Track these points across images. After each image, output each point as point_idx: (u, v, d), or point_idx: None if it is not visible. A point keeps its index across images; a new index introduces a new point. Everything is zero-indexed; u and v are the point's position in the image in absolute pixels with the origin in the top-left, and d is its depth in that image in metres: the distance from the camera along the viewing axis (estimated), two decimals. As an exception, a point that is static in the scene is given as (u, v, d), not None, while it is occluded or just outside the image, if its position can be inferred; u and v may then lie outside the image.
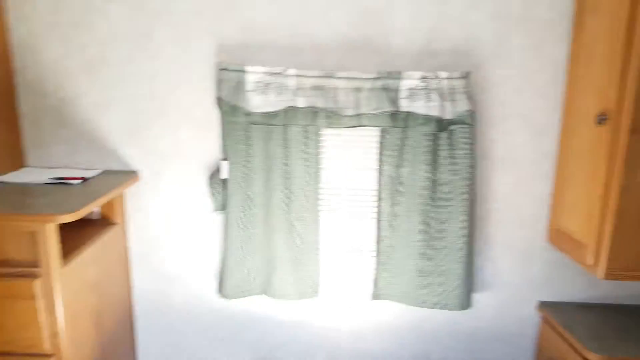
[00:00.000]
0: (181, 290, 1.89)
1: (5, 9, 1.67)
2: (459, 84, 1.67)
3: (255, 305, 1.92)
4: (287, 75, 1.69)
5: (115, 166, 1.80)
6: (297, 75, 1.69)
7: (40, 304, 1.31)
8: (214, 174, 1.77)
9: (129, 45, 1.72)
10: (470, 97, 1.68)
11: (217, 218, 1.84)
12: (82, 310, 1.47)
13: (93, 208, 1.40)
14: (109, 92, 1.74)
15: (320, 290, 1.88)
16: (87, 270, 1.50)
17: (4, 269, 1.30)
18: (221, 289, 1.79)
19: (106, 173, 1.75)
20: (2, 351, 1.33)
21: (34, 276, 1.30)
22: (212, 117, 1.77)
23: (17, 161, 1.73)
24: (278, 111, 1.69)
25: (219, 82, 1.68)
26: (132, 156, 1.79)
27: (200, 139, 1.79)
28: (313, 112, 1.69)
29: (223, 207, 1.78)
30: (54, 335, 1.34)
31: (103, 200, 1.47)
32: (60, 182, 1.58)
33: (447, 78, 1.67)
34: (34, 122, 1.75)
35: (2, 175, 1.61)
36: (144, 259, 1.87)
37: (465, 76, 1.66)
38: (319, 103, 1.69)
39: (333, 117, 1.69)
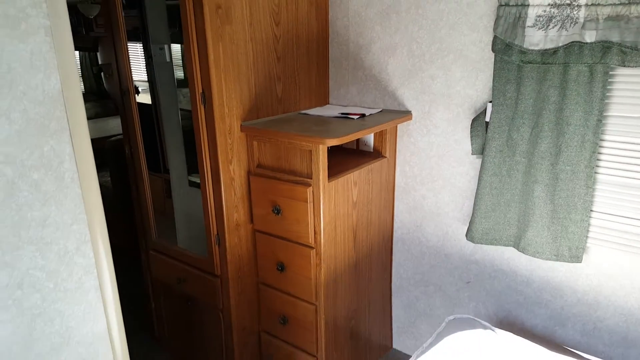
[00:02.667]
0: (434, 226, 1.99)
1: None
2: None
3: (505, 257, 1.83)
4: (576, 6, 1.45)
5: (393, 106, 1.99)
6: (590, 5, 1.43)
7: (310, 207, 1.66)
8: (479, 116, 1.73)
9: (417, -8, 1.82)
10: None
11: (479, 162, 1.81)
12: (341, 221, 1.77)
13: (354, 138, 1.64)
14: (394, 38, 1.92)
15: (583, 256, 1.62)
16: (350, 190, 1.78)
17: (291, 176, 1.71)
18: (468, 232, 1.78)
19: (384, 112, 1.97)
20: (283, 237, 1.79)
21: (308, 185, 1.66)
22: (487, 57, 1.72)
23: (323, 99, 2.15)
24: (558, 48, 1.50)
25: (497, 19, 1.60)
26: (407, 96, 1.94)
27: (471, 80, 1.77)
28: (604, 47, 1.42)
29: (482, 151, 1.73)
30: (316, 232, 1.69)
31: (363, 133, 1.69)
32: (345, 117, 1.89)
33: None
34: (337, 66, 2.12)
35: (308, 109, 2.04)
36: (406, 192, 2.04)
37: None
38: (614, 37, 1.40)
39: (631, 53, 1.38)
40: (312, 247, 1.72)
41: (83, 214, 1.02)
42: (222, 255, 1.84)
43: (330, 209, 1.69)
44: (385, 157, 1.96)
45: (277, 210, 1.75)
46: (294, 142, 1.65)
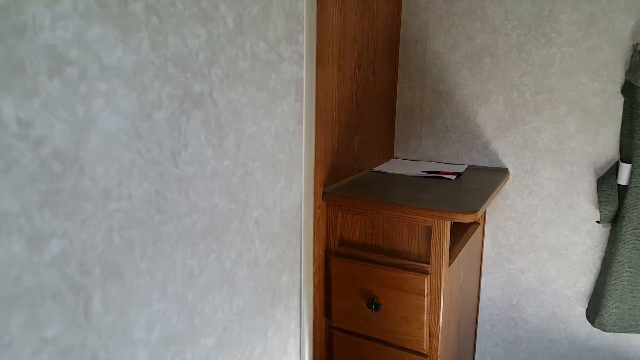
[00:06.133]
0: (536, 306, 1.66)
1: (404, 4, 1.71)
2: None
3: (633, 344, 1.53)
4: None
5: (481, 162, 1.68)
6: None
7: (426, 301, 1.27)
8: (607, 177, 1.45)
9: (520, 32, 1.54)
10: None
11: (599, 231, 1.52)
12: (452, 313, 1.40)
13: (486, 209, 1.29)
14: (487, 84, 1.62)
15: None
16: (460, 271, 1.42)
17: (395, 259, 1.31)
18: (596, 318, 1.48)
19: (471, 169, 1.65)
20: (381, 339, 1.36)
21: (424, 272, 1.27)
22: (612, 109, 1.45)
23: (388, 153, 1.79)
24: None
25: (632, 67, 1.34)
26: (503, 152, 1.63)
27: (591, 134, 1.49)
28: None
29: (613, 219, 1.45)
30: (432, 335, 1.29)
31: (490, 200, 1.35)
32: (436, 176, 1.54)
33: None
34: (407, 115, 1.78)
35: (378, 166, 1.67)
36: (497, 264, 1.70)
37: None
38: None
39: None
40: (425, 355, 1.31)
41: None
42: None
43: (447, 302, 1.31)
44: (479, 224, 1.62)
45: (374, 304, 1.34)
46: (404, 215, 1.27)
